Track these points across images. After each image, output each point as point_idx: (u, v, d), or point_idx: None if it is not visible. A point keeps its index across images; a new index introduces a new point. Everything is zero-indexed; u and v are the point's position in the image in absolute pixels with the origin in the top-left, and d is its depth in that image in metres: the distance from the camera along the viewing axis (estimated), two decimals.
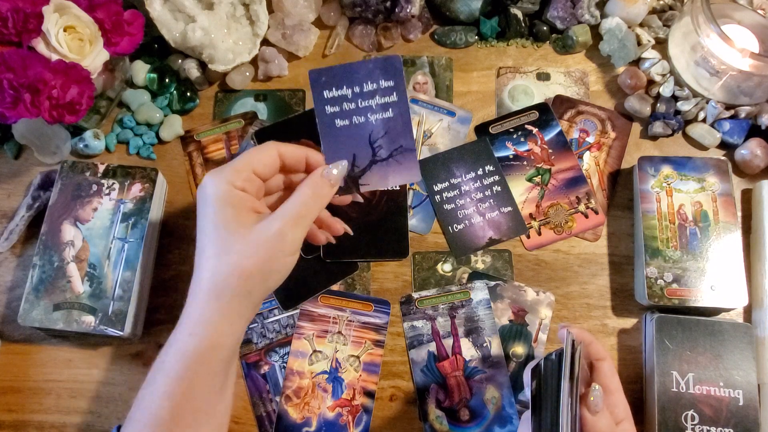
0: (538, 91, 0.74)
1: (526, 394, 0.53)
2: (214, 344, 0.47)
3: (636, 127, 0.72)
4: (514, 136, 0.71)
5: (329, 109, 0.54)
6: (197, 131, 0.72)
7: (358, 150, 0.54)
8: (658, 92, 0.72)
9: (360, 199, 0.56)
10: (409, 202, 0.68)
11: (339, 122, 0.54)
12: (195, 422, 0.47)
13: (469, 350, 0.63)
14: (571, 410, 0.45)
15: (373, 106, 0.54)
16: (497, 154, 0.70)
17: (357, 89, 0.54)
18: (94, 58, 0.63)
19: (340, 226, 0.56)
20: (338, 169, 0.51)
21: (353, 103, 0.54)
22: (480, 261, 0.67)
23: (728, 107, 0.70)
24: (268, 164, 0.50)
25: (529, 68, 0.75)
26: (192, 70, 0.73)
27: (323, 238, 0.55)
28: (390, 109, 0.54)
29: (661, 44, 0.75)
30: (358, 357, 0.63)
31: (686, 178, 0.66)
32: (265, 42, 0.74)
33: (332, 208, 0.61)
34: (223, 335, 0.47)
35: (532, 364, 0.51)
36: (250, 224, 0.47)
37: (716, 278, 0.62)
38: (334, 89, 0.54)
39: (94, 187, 0.66)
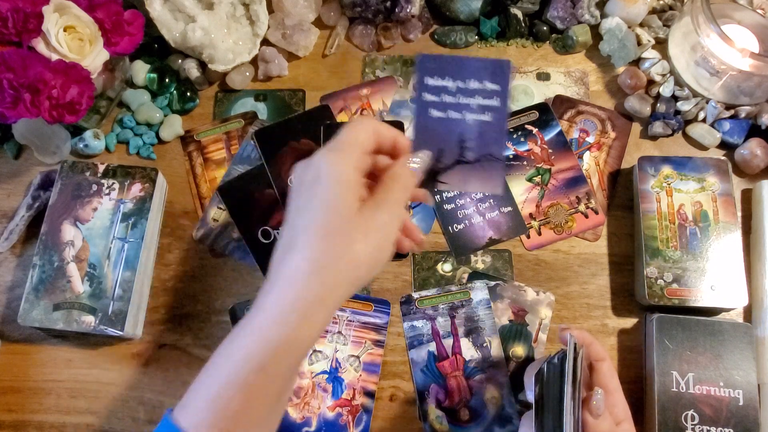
0: (538, 91, 0.74)
1: (528, 397, 0.53)
2: (305, 336, 0.40)
3: (636, 127, 0.72)
4: (514, 136, 0.71)
5: (428, 96, 0.52)
6: (197, 131, 0.72)
7: (446, 145, 0.52)
8: (658, 92, 0.72)
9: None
10: (409, 202, 0.68)
11: (434, 112, 0.52)
12: (265, 421, 0.41)
13: (469, 350, 0.63)
14: (573, 414, 0.46)
15: (472, 106, 0.52)
16: None
17: (461, 84, 0.52)
18: (94, 58, 0.63)
19: (419, 234, 0.51)
20: (422, 160, 0.48)
21: (453, 97, 0.52)
22: (480, 261, 0.67)
23: (728, 107, 0.70)
24: (370, 143, 0.45)
25: (529, 68, 0.75)
26: (192, 70, 0.73)
27: (408, 245, 0.50)
28: (488, 113, 0.52)
29: (661, 44, 0.75)
30: (358, 357, 0.63)
31: (686, 178, 0.66)
32: (265, 42, 0.74)
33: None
34: (316, 326, 0.41)
35: (534, 367, 0.51)
36: (358, 209, 0.42)
37: (716, 278, 0.62)
38: (437, 77, 0.52)
39: (94, 187, 0.66)
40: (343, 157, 0.43)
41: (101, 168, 0.67)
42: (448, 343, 0.63)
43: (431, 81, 0.52)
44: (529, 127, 0.71)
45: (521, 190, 0.69)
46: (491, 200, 0.68)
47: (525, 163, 0.70)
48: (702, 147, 0.71)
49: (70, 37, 0.61)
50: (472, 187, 0.54)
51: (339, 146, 0.44)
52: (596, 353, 0.50)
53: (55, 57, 0.60)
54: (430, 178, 0.53)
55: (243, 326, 0.40)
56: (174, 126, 0.72)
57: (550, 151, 0.70)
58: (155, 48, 0.74)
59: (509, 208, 0.68)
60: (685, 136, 0.72)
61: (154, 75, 0.73)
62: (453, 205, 0.68)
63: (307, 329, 0.40)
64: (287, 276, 0.41)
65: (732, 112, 0.70)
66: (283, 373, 0.40)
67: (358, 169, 0.44)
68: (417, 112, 0.53)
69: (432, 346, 0.63)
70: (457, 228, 0.67)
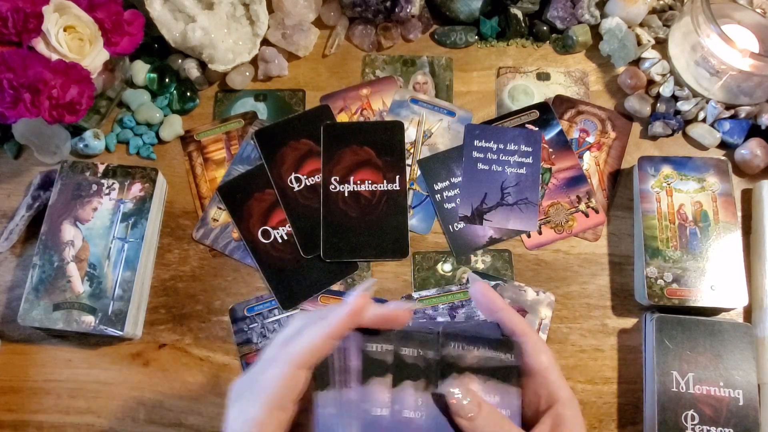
0: (538, 91, 0.74)
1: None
2: None
3: (636, 127, 0.72)
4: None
5: (475, 153, 0.69)
6: (197, 131, 0.72)
7: (490, 191, 0.68)
8: (658, 92, 0.72)
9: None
10: (409, 202, 0.68)
11: (480, 165, 0.69)
12: None
13: None
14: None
15: (511, 162, 0.69)
16: None
17: (501, 146, 0.69)
18: (94, 58, 0.63)
19: (405, 311, 0.42)
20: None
21: (495, 155, 0.69)
22: (480, 261, 0.67)
23: (728, 107, 0.70)
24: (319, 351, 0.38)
25: (529, 68, 0.75)
26: (192, 70, 0.73)
27: None
28: (524, 168, 0.69)
29: (661, 44, 0.75)
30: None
31: (686, 178, 0.66)
32: (265, 42, 0.74)
33: (333, 209, 0.61)
34: None
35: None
36: None
37: (716, 278, 0.62)
38: (483, 141, 0.70)
39: (94, 187, 0.66)
40: (243, 407, 0.38)
41: (101, 168, 0.67)
42: None
43: (478, 143, 0.70)
44: (530, 126, 0.71)
45: None
46: None
47: None
48: (702, 147, 0.71)
49: (70, 37, 0.61)
50: (512, 224, 0.67)
51: (256, 390, 0.38)
52: (512, 324, 0.42)
53: (55, 57, 0.60)
54: (478, 216, 0.67)
55: None
56: (174, 126, 0.72)
57: (550, 150, 0.70)
58: (155, 48, 0.74)
59: None
60: (685, 136, 0.72)
61: (154, 75, 0.73)
62: (453, 205, 0.68)
63: None
64: None
65: (732, 112, 0.70)
66: None
67: (266, 412, 0.37)
68: (466, 164, 0.68)
69: None
70: (457, 227, 0.67)
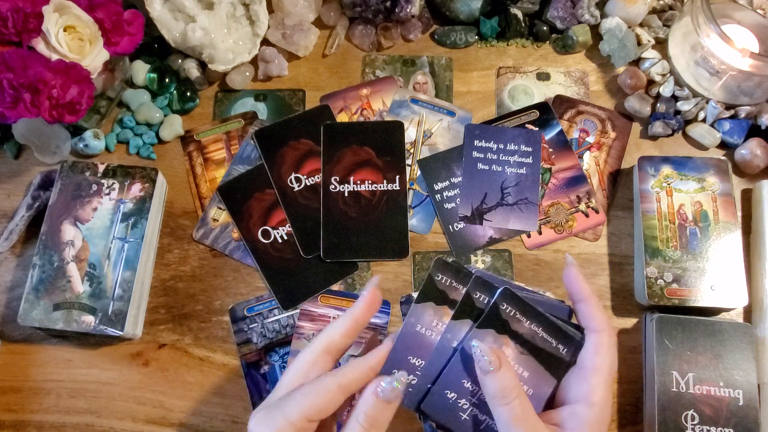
0: (538, 91, 0.74)
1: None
2: None
3: (636, 127, 0.72)
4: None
5: (475, 153, 0.69)
6: (197, 131, 0.72)
7: (490, 191, 0.67)
8: (658, 92, 0.72)
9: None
10: (409, 202, 0.68)
11: (480, 165, 0.68)
12: None
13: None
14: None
15: (511, 162, 0.69)
16: None
17: (501, 146, 0.69)
18: (94, 57, 0.63)
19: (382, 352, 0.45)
20: (394, 382, 0.41)
21: (496, 155, 0.69)
22: (480, 261, 0.67)
23: (728, 107, 0.70)
24: (327, 409, 0.41)
25: (529, 68, 0.75)
26: (192, 70, 0.73)
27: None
28: (524, 168, 0.68)
29: (661, 44, 0.75)
30: (358, 357, 0.63)
31: (686, 178, 0.66)
32: (265, 42, 0.74)
33: (333, 209, 0.61)
34: None
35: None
36: None
37: (716, 278, 0.62)
38: (483, 141, 0.69)
39: (94, 187, 0.66)
40: (275, 427, 0.39)
41: (101, 168, 0.67)
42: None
43: (478, 143, 0.69)
44: (530, 126, 0.71)
45: None
46: None
47: None
48: (702, 147, 0.71)
49: (70, 37, 0.61)
50: (512, 224, 0.66)
51: (273, 410, 0.40)
52: (590, 318, 0.43)
53: (55, 57, 0.60)
54: (478, 216, 0.66)
55: None
56: (174, 126, 0.72)
57: (550, 150, 0.70)
58: (155, 48, 0.74)
59: None
60: (685, 136, 0.72)
61: (154, 75, 0.73)
62: (453, 205, 0.68)
63: None
64: None
65: (732, 112, 0.70)
66: None
67: None
68: (466, 164, 0.68)
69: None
70: (457, 228, 0.67)
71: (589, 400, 0.41)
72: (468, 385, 0.43)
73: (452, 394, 0.43)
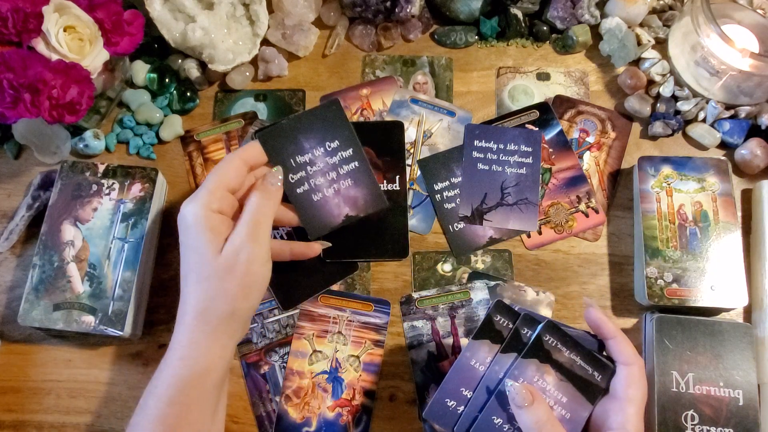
0: (538, 91, 0.74)
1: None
2: (206, 367, 0.48)
3: (636, 127, 0.72)
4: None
5: (475, 153, 0.68)
6: (197, 131, 0.72)
7: (490, 191, 0.67)
8: (658, 92, 0.72)
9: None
10: (409, 202, 0.68)
11: (480, 165, 0.68)
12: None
13: None
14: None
15: (511, 162, 0.68)
16: None
17: (501, 146, 0.68)
18: (94, 58, 0.63)
19: (317, 247, 0.61)
20: (277, 173, 0.55)
21: (495, 155, 0.68)
22: (480, 261, 0.67)
23: (728, 107, 0.70)
24: (236, 176, 0.52)
25: (529, 68, 0.75)
26: (192, 70, 0.73)
27: (297, 252, 0.60)
28: (524, 168, 0.68)
29: (661, 44, 0.75)
30: (358, 357, 0.63)
31: (686, 178, 0.66)
32: (265, 42, 0.74)
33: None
34: (214, 358, 0.49)
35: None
36: (221, 249, 0.49)
37: (716, 278, 0.62)
38: (483, 141, 0.69)
39: (94, 187, 0.66)
40: (201, 202, 0.49)
41: (101, 168, 0.67)
42: (448, 343, 0.63)
43: (478, 143, 0.69)
44: (530, 126, 0.71)
45: None
46: None
47: None
48: (702, 147, 0.71)
49: (70, 37, 0.61)
50: (512, 224, 0.66)
51: (198, 192, 0.50)
52: (620, 352, 0.48)
53: (55, 57, 0.60)
54: (479, 216, 0.66)
55: (159, 365, 0.49)
56: (174, 126, 0.72)
57: (550, 150, 0.70)
58: (155, 48, 0.74)
59: None
60: (685, 136, 0.72)
61: (154, 75, 0.73)
62: (453, 205, 0.68)
63: (208, 360, 0.48)
64: (181, 318, 0.50)
65: (732, 112, 0.70)
66: (197, 399, 0.48)
67: (216, 211, 0.50)
68: (466, 164, 0.67)
69: (432, 346, 0.63)
70: (457, 227, 0.67)
71: (625, 429, 0.45)
72: (510, 412, 0.48)
73: (498, 420, 0.47)
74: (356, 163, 0.59)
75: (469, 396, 0.48)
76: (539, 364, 0.48)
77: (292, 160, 0.58)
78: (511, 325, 0.50)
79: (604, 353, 0.49)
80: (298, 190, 0.55)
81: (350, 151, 0.59)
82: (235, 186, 0.52)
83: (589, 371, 0.48)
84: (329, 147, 0.59)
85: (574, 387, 0.48)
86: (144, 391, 0.49)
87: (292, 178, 0.58)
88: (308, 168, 0.58)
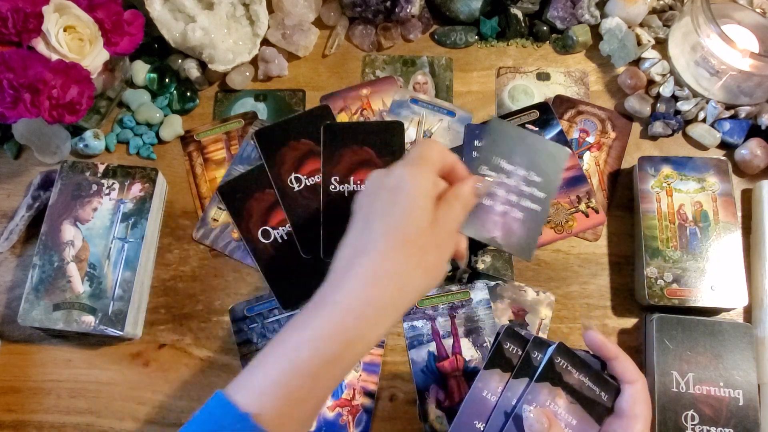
0: (538, 91, 0.74)
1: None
2: (374, 335, 0.43)
3: (636, 127, 0.72)
4: None
5: (475, 153, 0.67)
6: (197, 131, 0.72)
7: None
8: (658, 92, 0.72)
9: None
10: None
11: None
12: (318, 410, 0.44)
13: (469, 350, 0.63)
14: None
15: None
16: None
17: None
18: (94, 58, 0.63)
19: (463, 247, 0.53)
20: (484, 185, 0.52)
21: None
22: (480, 261, 0.66)
23: (728, 107, 0.70)
24: (440, 163, 0.48)
25: (529, 68, 0.75)
26: (192, 70, 0.73)
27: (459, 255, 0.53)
28: None
29: (661, 44, 0.75)
30: None
31: (686, 178, 0.66)
32: (265, 42, 0.74)
33: (333, 209, 0.61)
34: (384, 327, 0.43)
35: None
36: (431, 222, 0.45)
37: (716, 278, 0.62)
38: (482, 141, 0.64)
39: (94, 187, 0.66)
40: (423, 171, 0.46)
41: (101, 168, 0.67)
42: (448, 343, 0.63)
43: (477, 143, 0.68)
44: (530, 126, 0.71)
45: None
46: None
47: None
48: (702, 147, 0.71)
49: (70, 37, 0.61)
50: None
51: (418, 161, 0.46)
52: (623, 371, 0.48)
53: (55, 57, 0.60)
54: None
55: (307, 318, 0.42)
56: (174, 126, 0.72)
57: None
58: (155, 48, 0.74)
59: None
60: (685, 136, 0.72)
61: (154, 75, 0.73)
62: None
63: (377, 328, 0.42)
64: (364, 276, 0.43)
65: (732, 112, 0.70)
66: (348, 365, 0.42)
67: (435, 185, 0.46)
68: (466, 165, 0.64)
69: (432, 346, 0.63)
70: None
71: None
72: None
73: None
74: (539, 207, 0.59)
75: (482, 428, 0.48)
76: (551, 387, 0.48)
77: (497, 158, 0.58)
78: (520, 352, 0.50)
79: (606, 372, 0.49)
80: (479, 184, 0.53)
81: (543, 195, 0.59)
82: (439, 171, 0.48)
83: (596, 392, 0.48)
84: (529, 177, 0.59)
85: (583, 409, 0.48)
86: (278, 339, 0.42)
87: (485, 173, 0.58)
88: (503, 175, 0.58)
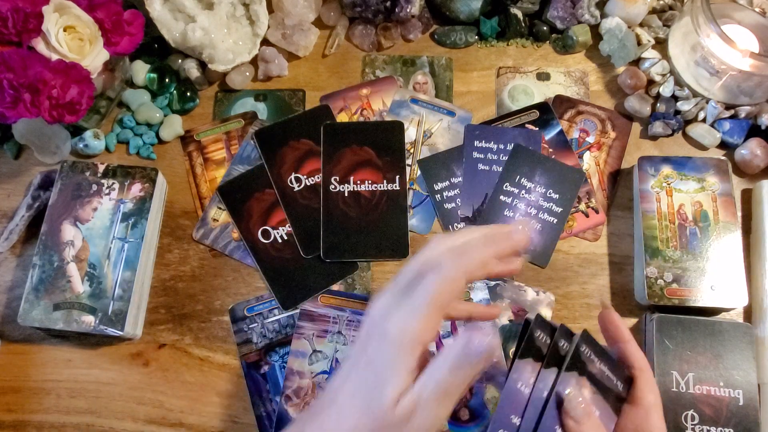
0: (538, 91, 0.74)
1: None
2: None
3: (636, 127, 0.72)
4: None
5: (476, 154, 0.69)
6: (197, 131, 0.72)
7: (490, 190, 0.67)
8: (658, 92, 0.72)
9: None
10: (409, 202, 0.68)
11: (481, 166, 0.68)
12: None
13: None
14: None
15: None
16: None
17: (501, 146, 0.69)
18: (94, 58, 0.63)
19: (517, 265, 0.45)
20: (487, 341, 0.38)
21: (496, 155, 0.68)
22: None
23: (728, 107, 0.70)
24: (453, 298, 0.40)
25: (529, 68, 0.75)
26: (192, 70, 0.73)
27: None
28: None
29: (661, 44, 0.75)
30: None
31: (686, 178, 0.66)
32: (265, 42, 0.74)
33: (333, 209, 0.61)
34: None
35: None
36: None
37: (716, 278, 0.62)
38: (483, 141, 0.69)
39: (94, 187, 0.66)
40: (416, 319, 0.38)
41: (101, 168, 0.67)
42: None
43: (478, 143, 0.69)
44: (530, 126, 0.71)
45: None
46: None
47: None
48: (702, 147, 0.71)
49: (70, 37, 0.61)
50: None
51: (406, 303, 0.38)
52: (633, 357, 0.46)
53: (55, 57, 0.60)
54: (479, 216, 0.66)
55: None
56: (174, 126, 0.72)
57: (550, 150, 0.70)
58: (155, 48, 0.74)
59: None
60: (685, 136, 0.72)
61: (154, 75, 0.73)
62: (453, 205, 0.68)
63: None
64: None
65: (732, 112, 0.70)
66: None
67: (425, 341, 0.38)
68: (467, 164, 0.67)
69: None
70: (457, 227, 0.67)
71: None
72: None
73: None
74: (556, 221, 0.63)
75: (518, 423, 0.46)
76: (578, 377, 0.46)
77: (518, 175, 0.65)
78: (548, 340, 0.48)
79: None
80: (502, 197, 0.53)
81: (560, 210, 0.63)
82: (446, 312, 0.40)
83: (614, 381, 0.47)
84: (549, 194, 0.63)
85: (605, 400, 0.47)
86: None
87: (508, 189, 0.62)
88: (522, 191, 0.63)
